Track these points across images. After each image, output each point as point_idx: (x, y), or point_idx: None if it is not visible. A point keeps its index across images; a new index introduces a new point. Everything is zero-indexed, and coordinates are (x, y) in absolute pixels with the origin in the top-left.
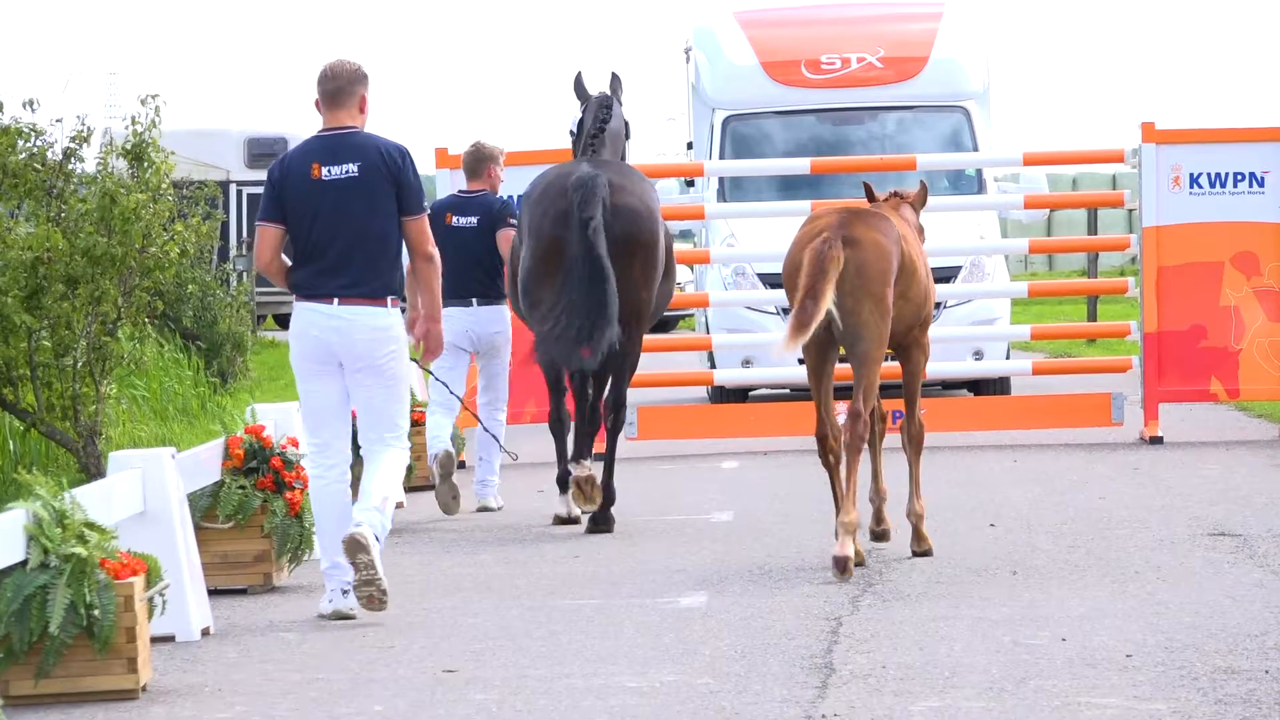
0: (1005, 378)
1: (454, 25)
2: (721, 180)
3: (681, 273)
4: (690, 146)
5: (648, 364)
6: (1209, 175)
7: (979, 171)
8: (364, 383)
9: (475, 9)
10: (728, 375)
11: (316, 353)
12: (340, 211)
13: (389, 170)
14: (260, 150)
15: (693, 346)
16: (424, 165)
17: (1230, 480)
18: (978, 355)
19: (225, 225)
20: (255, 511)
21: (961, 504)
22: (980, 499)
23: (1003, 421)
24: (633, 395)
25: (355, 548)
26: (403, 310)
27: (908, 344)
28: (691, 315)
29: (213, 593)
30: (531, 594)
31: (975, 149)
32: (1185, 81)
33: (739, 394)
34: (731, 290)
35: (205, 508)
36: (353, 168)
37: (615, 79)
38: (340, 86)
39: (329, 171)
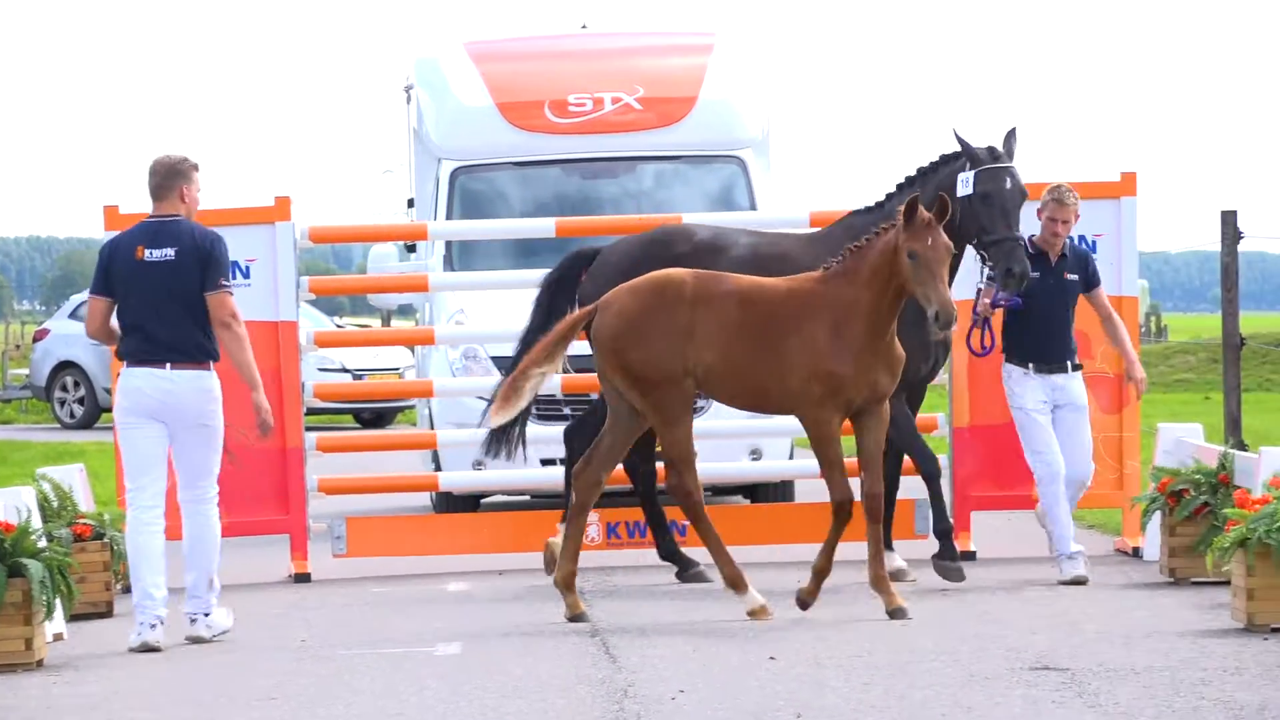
0: (788, 481)
1: (131, 71)
2: (449, 245)
3: (401, 356)
4: (411, 204)
5: (359, 466)
6: None
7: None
8: (187, 440)
9: (155, 48)
10: (455, 479)
11: (147, 408)
12: (160, 289)
13: (200, 254)
14: None
15: (413, 445)
16: (93, 226)
17: (1056, 604)
18: (755, 455)
19: None
20: None
21: (734, 632)
22: (757, 626)
23: (785, 533)
24: (341, 504)
25: (196, 642)
26: None
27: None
28: (412, 407)
29: None
30: None
31: (752, 206)
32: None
33: (469, 501)
34: (461, 377)
35: None
36: (170, 252)
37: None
38: (160, 182)
39: (151, 254)
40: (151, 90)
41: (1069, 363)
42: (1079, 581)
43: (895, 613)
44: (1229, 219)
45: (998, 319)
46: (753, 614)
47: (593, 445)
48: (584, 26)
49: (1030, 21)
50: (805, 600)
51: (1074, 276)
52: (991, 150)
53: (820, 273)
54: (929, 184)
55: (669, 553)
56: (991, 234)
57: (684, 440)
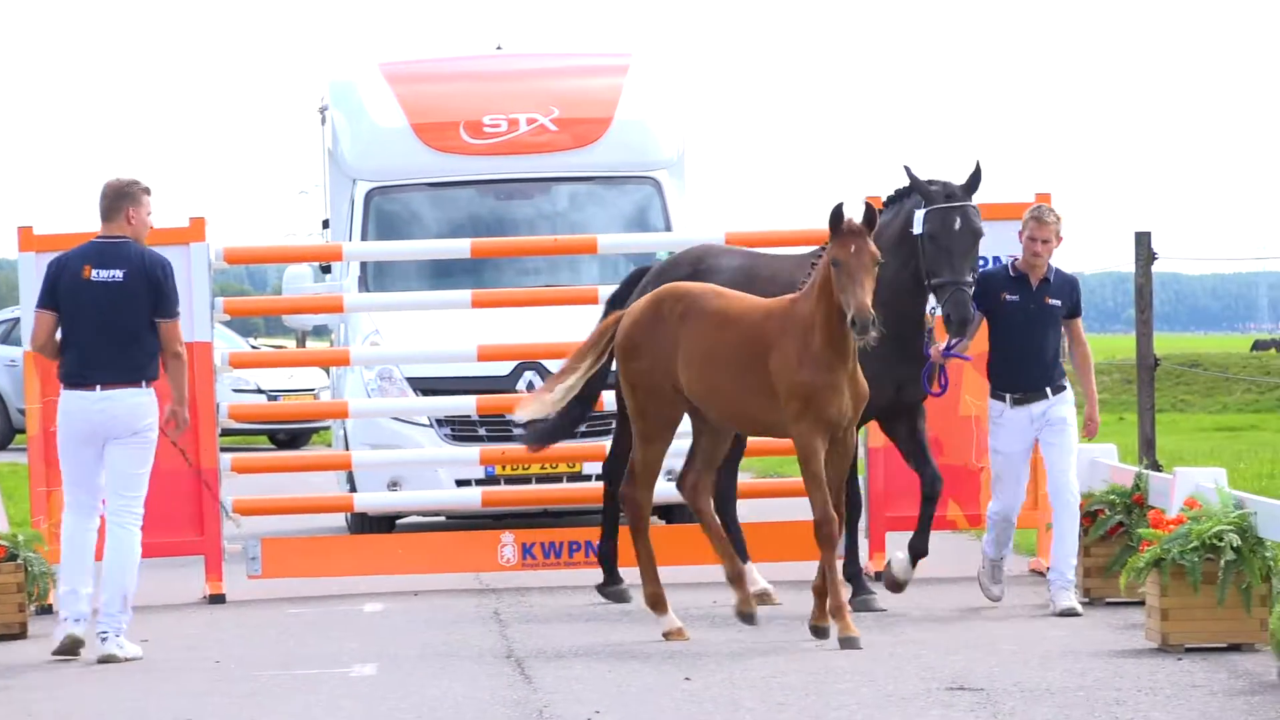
0: None
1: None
2: (364, 266)
3: (316, 377)
4: (326, 225)
5: (274, 487)
6: None
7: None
8: (119, 450)
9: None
10: (370, 500)
11: (81, 433)
12: (104, 308)
13: (149, 278)
14: None
15: (328, 465)
16: (7, 247)
17: (971, 624)
18: (670, 476)
19: None
20: None
21: (650, 653)
22: (673, 647)
23: (699, 554)
24: (257, 525)
25: (108, 661)
26: None
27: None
28: (328, 428)
29: None
30: None
31: (668, 228)
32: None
33: (384, 522)
34: (375, 398)
35: None
36: (118, 273)
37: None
38: (109, 204)
39: (98, 274)
40: (66, 110)
41: (1049, 389)
42: (994, 600)
43: (842, 639)
44: (1143, 240)
45: (979, 351)
46: (669, 635)
47: (688, 458)
48: (499, 48)
49: (942, 42)
50: (821, 626)
51: (1056, 301)
52: (946, 187)
53: (796, 293)
54: (899, 213)
55: (604, 555)
56: (936, 277)
57: (654, 460)
